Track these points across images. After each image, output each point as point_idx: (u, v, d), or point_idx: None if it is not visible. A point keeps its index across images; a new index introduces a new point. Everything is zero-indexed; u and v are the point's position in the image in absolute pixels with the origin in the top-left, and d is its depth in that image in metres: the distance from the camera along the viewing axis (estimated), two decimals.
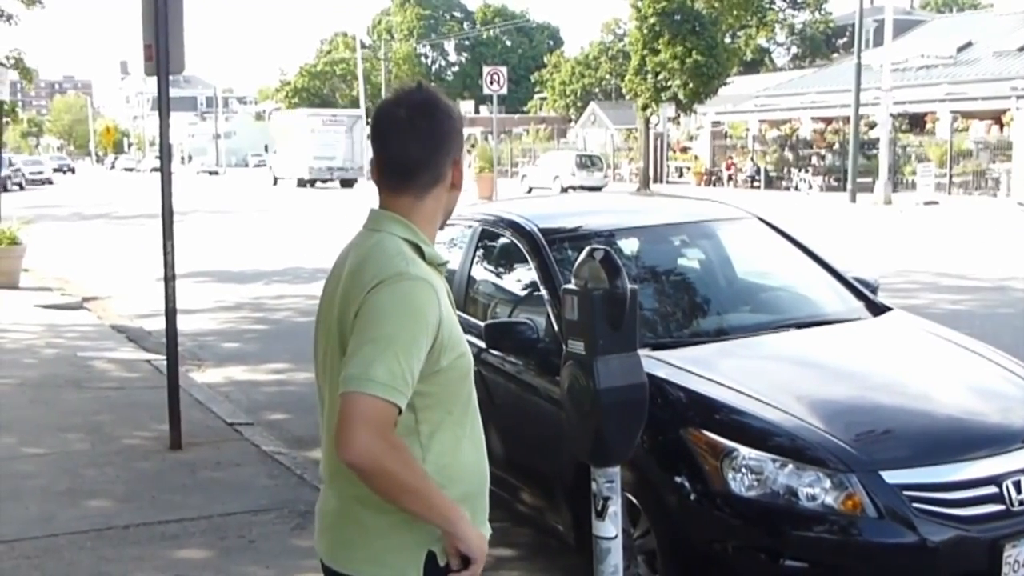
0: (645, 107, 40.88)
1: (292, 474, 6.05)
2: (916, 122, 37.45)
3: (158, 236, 6.63)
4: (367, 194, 39.63)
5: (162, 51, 6.39)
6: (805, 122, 41.29)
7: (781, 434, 3.80)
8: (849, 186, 31.02)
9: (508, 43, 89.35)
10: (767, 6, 58.10)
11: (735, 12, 43.65)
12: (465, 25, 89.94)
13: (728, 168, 42.76)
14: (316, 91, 69.69)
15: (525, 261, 5.03)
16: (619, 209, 6.35)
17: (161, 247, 6.49)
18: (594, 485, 3.35)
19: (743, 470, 3.71)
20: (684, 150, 48.77)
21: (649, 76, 39.66)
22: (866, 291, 5.28)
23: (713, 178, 43.56)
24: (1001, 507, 3.64)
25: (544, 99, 75.91)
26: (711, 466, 3.78)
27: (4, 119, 17.05)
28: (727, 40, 43.97)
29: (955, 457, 3.76)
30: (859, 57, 31.30)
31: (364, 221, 2.31)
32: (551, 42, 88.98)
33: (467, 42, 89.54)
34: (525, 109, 78.48)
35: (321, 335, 2.29)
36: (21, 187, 49.94)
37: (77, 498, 5.68)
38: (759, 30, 58.91)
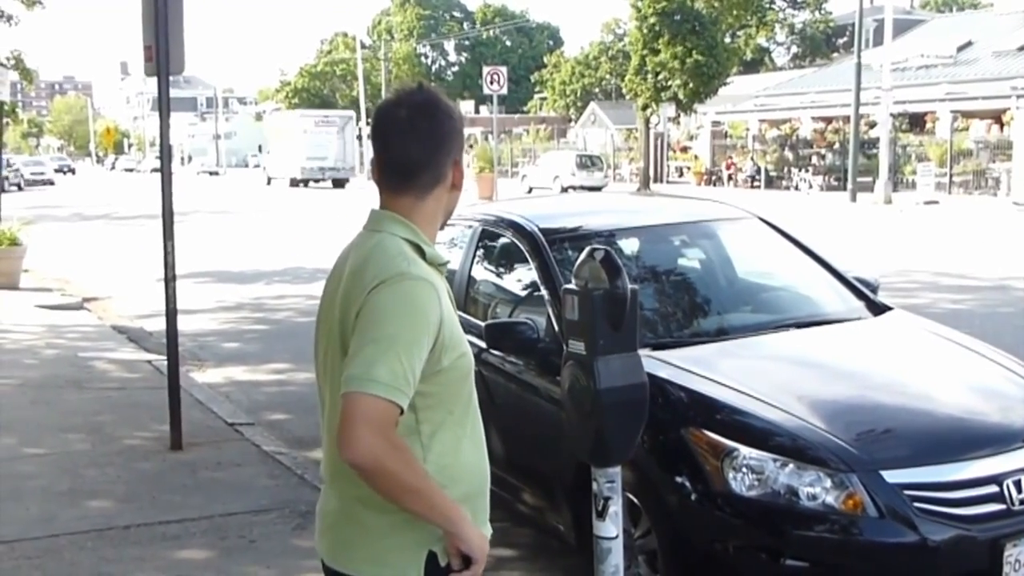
0: (645, 107, 40.88)
1: (293, 474, 6.05)
2: (916, 122, 37.46)
3: (158, 236, 6.63)
4: (359, 193, 40.17)
5: (162, 52, 6.39)
6: (805, 122, 41.30)
7: (782, 434, 3.80)
8: (849, 186, 31.02)
9: (508, 43, 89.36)
10: (767, 6, 58.16)
11: (735, 12, 43.65)
12: (465, 25, 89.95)
13: (728, 168, 42.76)
14: (316, 91, 69.69)
15: (525, 261, 5.03)
16: (619, 209, 6.35)
17: (161, 247, 6.49)
18: (595, 485, 3.35)
19: (744, 470, 3.71)
20: (684, 150, 48.77)
21: (649, 76, 39.65)
22: (866, 291, 5.28)
23: (713, 178, 43.57)
24: (1002, 506, 3.64)
25: (544, 99, 75.91)
26: (712, 466, 3.78)
27: (4, 120, 17.05)
28: (727, 40, 43.96)
29: (956, 456, 3.76)
30: (859, 57, 31.30)
31: (365, 222, 2.31)
32: (551, 42, 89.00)
33: (467, 42, 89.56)
34: (525, 109, 78.49)
35: (322, 335, 2.29)
36: (19, 188, 47.92)
37: (78, 498, 5.68)
38: (759, 30, 58.96)
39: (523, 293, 5.19)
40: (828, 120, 40.00)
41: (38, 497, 5.70)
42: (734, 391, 4.04)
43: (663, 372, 4.13)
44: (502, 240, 5.38)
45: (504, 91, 32.00)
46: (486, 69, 32.25)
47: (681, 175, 46.65)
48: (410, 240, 2.22)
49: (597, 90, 69.90)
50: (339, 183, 49.85)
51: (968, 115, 35.93)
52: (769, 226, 5.65)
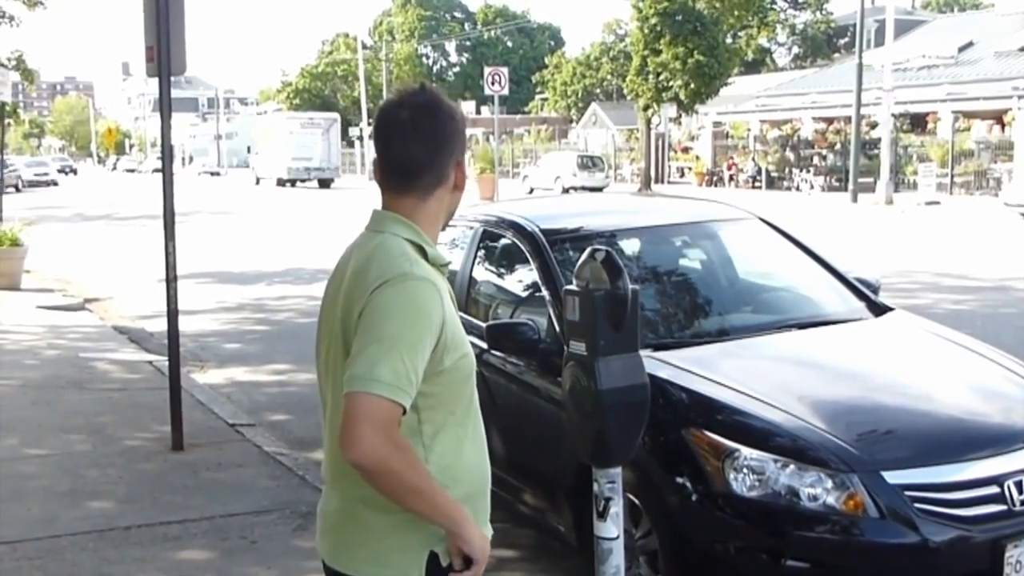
0: (646, 107, 40.89)
1: (294, 475, 6.06)
2: (917, 122, 37.47)
3: (160, 237, 6.64)
4: (348, 193, 40.49)
5: (163, 52, 6.39)
6: (806, 122, 41.29)
7: (783, 434, 3.80)
8: (850, 186, 31.02)
9: (509, 44, 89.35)
10: (768, 6, 58.14)
11: (736, 12, 43.63)
12: (466, 26, 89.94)
13: (729, 168, 42.74)
14: (317, 92, 69.71)
15: (527, 262, 5.03)
16: (620, 210, 6.35)
17: (163, 248, 6.50)
18: (596, 486, 3.35)
19: (745, 470, 3.72)
20: (685, 150, 48.75)
21: (650, 76, 39.67)
22: (867, 291, 5.28)
23: (714, 178, 43.56)
24: (1003, 507, 3.64)
25: (545, 100, 75.89)
26: (713, 467, 3.78)
27: (6, 120, 17.07)
28: (728, 40, 43.96)
29: (957, 457, 3.76)
30: (860, 57, 31.29)
31: (367, 222, 2.31)
32: (552, 43, 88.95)
33: (468, 43, 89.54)
34: (526, 110, 78.47)
35: (324, 335, 2.29)
36: (17, 189, 45.20)
37: (79, 499, 5.68)
38: (760, 30, 58.91)
39: (524, 294, 5.19)
40: (829, 121, 40.00)
41: (39, 498, 5.70)
42: (735, 392, 4.04)
43: (664, 373, 4.13)
44: (503, 241, 5.38)
45: (505, 92, 32.04)
46: (487, 70, 32.28)
47: (682, 176, 46.63)
48: (412, 241, 2.22)
49: (598, 91, 69.88)
50: (324, 183, 51.30)
51: (969, 115, 35.93)
52: (770, 227, 5.65)
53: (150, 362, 9.30)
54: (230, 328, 11.53)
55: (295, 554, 4.85)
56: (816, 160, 39.06)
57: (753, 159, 41.17)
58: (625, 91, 44.26)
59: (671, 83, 39.25)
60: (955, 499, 3.63)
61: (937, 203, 28.84)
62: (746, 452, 3.73)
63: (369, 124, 54.27)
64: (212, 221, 27.04)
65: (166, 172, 6.64)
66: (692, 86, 38.86)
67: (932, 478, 3.66)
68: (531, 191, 39.91)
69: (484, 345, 4.63)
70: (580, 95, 69.96)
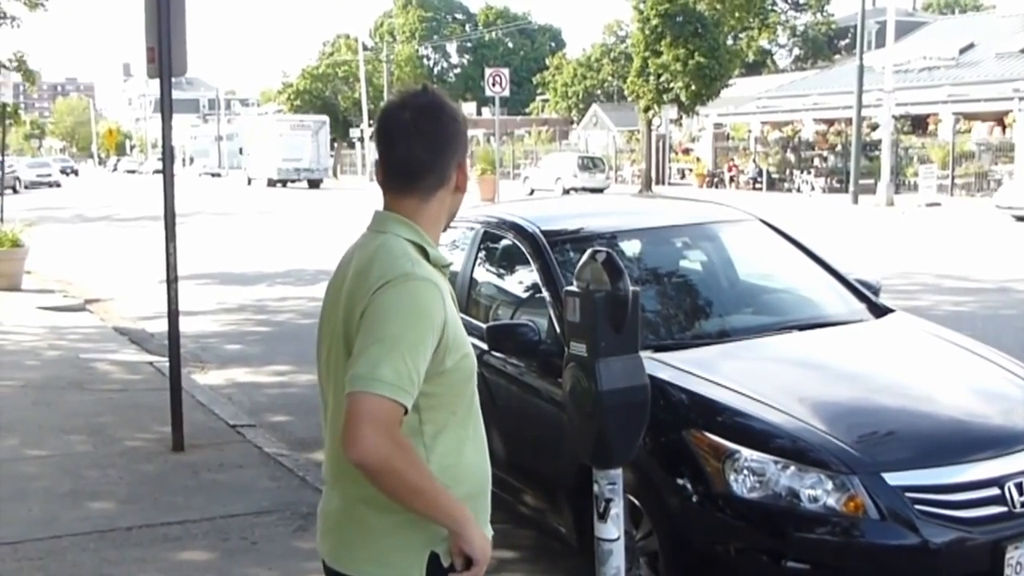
0: (647, 109, 40.88)
1: (294, 476, 6.06)
2: (918, 124, 37.46)
3: (160, 238, 6.64)
4: (341, 194, 41.12)
5: (164, 53, 6.40)
6: (807, 124, 41.28)
7: (783, 436, 3.80)
8: (851, 188, 31.02)
9: (510, 45, 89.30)
10: (769, 8, 58.12)
11: (737, 14, 43.62)
12: (467, 27, 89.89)
13: (730, 170, 42.75)
14: (318, 93, 69.60)
15: (527, 263, 5.03)
16: (621, 211, 6.35)
17: (163, 249, 6.50)
18: (596, 487, 3.35)
19: (745, 472, 3.72)
20: (686, 152, 48.76)
21: (651, 78, 39.67)
22: (868, 293, 5.28)
23: (715, 180, 43.55)
24: (1003, 509, 3.64)
25: (546, 101, 75.84)
26: (713, 468, 3.78)
27: (7, 121, 17.07)
28: (729, 42, 43.99)
29: (957, 459, 3.76)
30: (861, 59, 31.29)
31: (369, 223, 2.32)
32: (553, 44, 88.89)
33: (469, 44, 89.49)
34: (527, 111, 78.42)
35: (325, 336, 2.29)
36: (14, 190, 41.77)
37: (80, 500, 5.69)
38: (761, 32, 58.94)
39: (525, 295, 5.19)
40: (830, 122, 39.99)
41: (40, 498, 5.71)
42: (735, 393, 4.04)
43: (664, 374, 4.13)
44: (504, 242, 5.38)
45: (506, 93, 32.01)
46: (488, 71, 32.24)
47: (683, 177, 46.62)
48: (414, 241, 2.22)
49: (599, 92, 69.83)
50: (314, 183, 52.82)
51: (970, 117, 35.93)
52: (771, 228, 5.65)
53: (151, 363, 9.31)
54: (231, 329, 11.53)
55: (296, 555, 4.85)
56: (817, 162, 39.06)
57: (754, 161, 41.17)
58: (626, 92, 44.24)
59: (672, 84, 39.25)
60: (956, 500, 3.63)
61: (938, 205, 28.83)
62: (746, 453, 3.73)
63: (370, 125, 54.42)
64: (213, 222, 27.05)
65: (167, 173, 6.65)
66: (693, 87, 38.86)
67: (933, 479, 3.67)
68: (532, 192, 39.90)
69: (485, 346, 4.63)
70: (581, 96, 69.91)
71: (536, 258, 4.94)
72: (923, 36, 45.44)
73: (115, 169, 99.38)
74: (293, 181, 52.99)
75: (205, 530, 5.24)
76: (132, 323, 11.83)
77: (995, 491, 3.66)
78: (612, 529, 3.36)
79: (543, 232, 5.05)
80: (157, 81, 6.47)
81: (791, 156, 39.85)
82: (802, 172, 38.71)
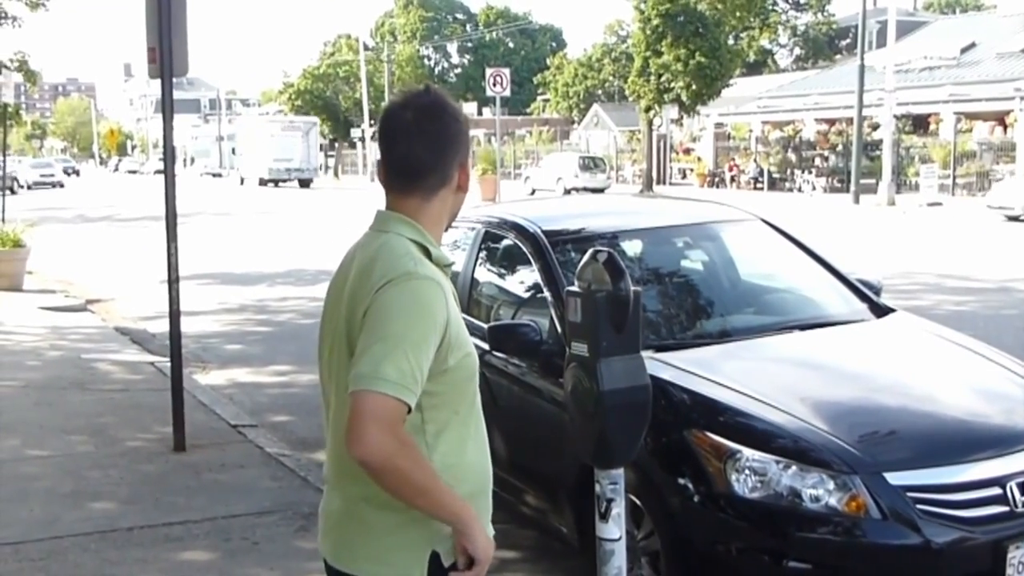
0: (648, 109, 40.88)
1: (296, 476, 6.06)
2: (919, 123, 37.45)
3: (162, 238, 6.64)
4: (337, 193, 41.64)
5: (165, 53, 6.40)
6: (808, 123, 41.28)
7: (785, 436, 3.80)
8: (852, 187, 30.99)
9: (511, 45, 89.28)
10: (770, 7, 58.13)
11: (738, 14, 43.65)
12: (468, 27, 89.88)
13: (731, 170, 42.73)
14: (319, 93, 69.64)
15: (528, 263, 5.03)
16: (622, 211, 6.35)
17: (165, 249, 6.50)
18: (597, 487, 3.35)
19: (747, 472, 3.71)
20: (687, 151, 48.76)
21: (652, 78, 39.67)
22: (869, 293, 5.28)
23: (716, 180, 43.55)
24: (1005, 508, 3.64)
25: (547, 101, 75.84)
26: (715, 468, 3.78)
27: (8, 122, 17.08)
28: (730, 42, 43.99)
29: (959, 458, 3.76)
30: (862, 58, 31.26)
31: (371, 222, 2.32)
32: (554, 44, 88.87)
33: (470, 44, 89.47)
34: (528, 111, 78.41)
35: (327, 335, 2.29)
36: (12, 191, 38.81)
37: (81, 500, 5.69)
38: (762, 31, 58.98)
39: (526, 295, 5.19)
40: (831, 122, 39.98)
41: (41, 499, 5.71)
42: (737, 393, 4.04)
43: (666, 374, 4.13)
44: (505, 242, 5.38)
45: (507, 93, 32.00)
46: (489, 71, 32.22)
47: (684, 177, 46.62)
48: (416, 241, 2.22)
49: (600, 92, 69.82)
50: (304, 183, 53.93)
51: (971, 117, 35.91)
52: (772, 228, 5.65)
53: (152, 363, 9.31)
54: (232, 329, 11.53)
55: (297, 555, 4.85)
56: (818, 161, 39.05)
57: (755, 160, 41.16)
58: (627, 92, 44.23)
59: (673, 84, 39.24)
60: (957, 500, 3.63)
61: (939, 204, 28.81)
62: (748, 453, 3.73)
63: (371, 125, 54.55)
64: (213, 222, 27.06)
65: (168, 173, 6.65)
66: (694, 87, 38.85)
67: (934, 479, 3.66)
68: (533, 192, 39.93)
69: (486, 346, 4.63)
70: (582, 96, 69.92)
71: (537, 258, 4.94)
72: (924, 36, 45.44)
73: (116, 169, 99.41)
74: (284, 181, 54.00)
75: (206, 530, 5.24)
76: (133, 323, 11.84)
77: (997, 491, 3.66)
78: (614, 529, 3.35)
79: (544, 232, 5.05)
80: (158, 81, 6.47)
81: (792, 156, 39.84)
82: (803, 172, 38.70)
